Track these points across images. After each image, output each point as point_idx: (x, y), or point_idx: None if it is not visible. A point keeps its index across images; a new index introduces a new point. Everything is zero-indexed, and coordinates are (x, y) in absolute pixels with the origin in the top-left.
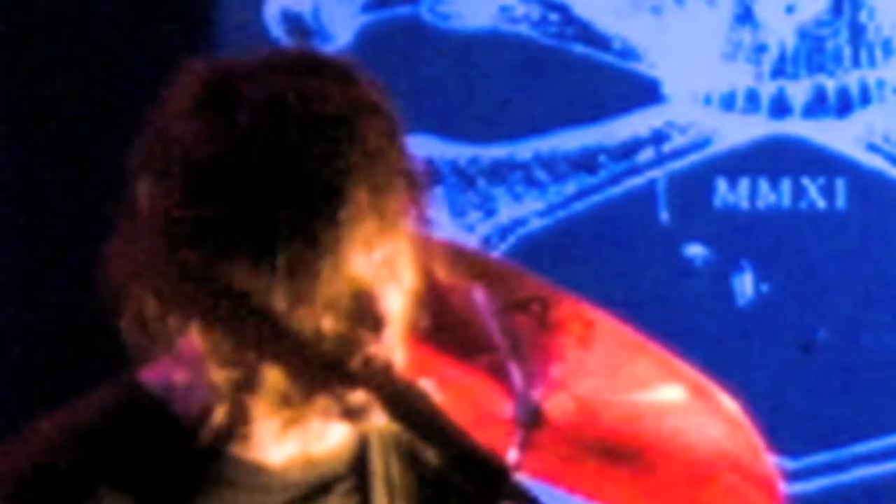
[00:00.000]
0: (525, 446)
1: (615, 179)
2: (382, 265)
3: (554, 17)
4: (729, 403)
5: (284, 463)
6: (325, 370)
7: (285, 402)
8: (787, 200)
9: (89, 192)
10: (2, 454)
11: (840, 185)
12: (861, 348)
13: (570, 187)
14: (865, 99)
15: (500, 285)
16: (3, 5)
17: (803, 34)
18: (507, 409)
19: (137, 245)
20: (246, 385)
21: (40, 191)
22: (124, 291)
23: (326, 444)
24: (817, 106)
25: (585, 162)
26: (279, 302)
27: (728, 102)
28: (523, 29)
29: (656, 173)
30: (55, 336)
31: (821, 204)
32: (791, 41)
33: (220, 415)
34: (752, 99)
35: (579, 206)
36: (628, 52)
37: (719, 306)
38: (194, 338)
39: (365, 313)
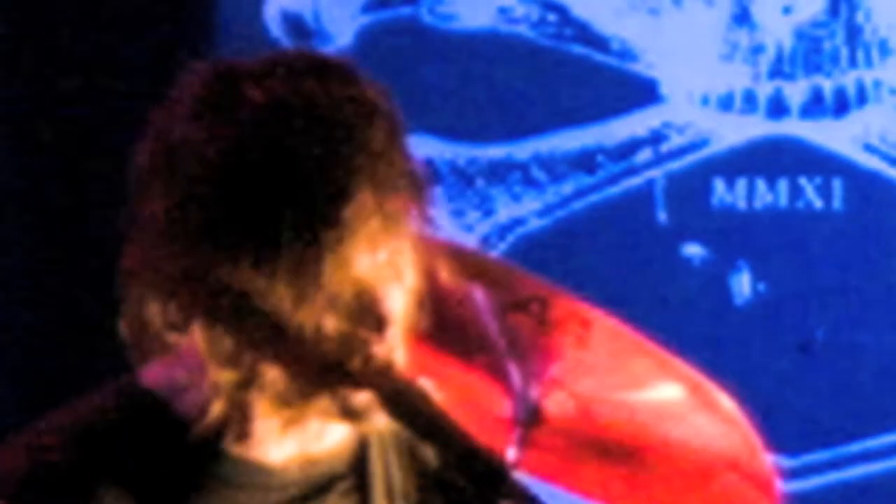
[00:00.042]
0: (524, 445)
1: (613, 179)
2: (385, 265)
3: (552, 17)
4: (727, 402)
5: (284, 462)
6: (325, 370)
7: (285, 401)
8: (784, 200)
9: (90, 191)
10: (2, 454)
11: (837, 185)
12: (858, 348)
13: (569, 187)
14: (862, 99)
15: (499, 285)
16: (4, 5)
17: (800, 35)
18: (506, 407)
19: (140, 245)
20: (246, 385)
21: (41, 191)
22: (126, 290)
23: (326, 443)
24: (814, 106)
25: (584, 162)
26: (282, 301)
27: (725, 103)
28: (522, 30)
29: (654, 173)
30: (55, 336)
31: (818, 204)
32: (788, 42)
33: (216, 410)
34: (750, 99)
35: (577, 205)
36: (626, 53)
37: (717, 306)
38: (195, 337)
39: (367, 313)
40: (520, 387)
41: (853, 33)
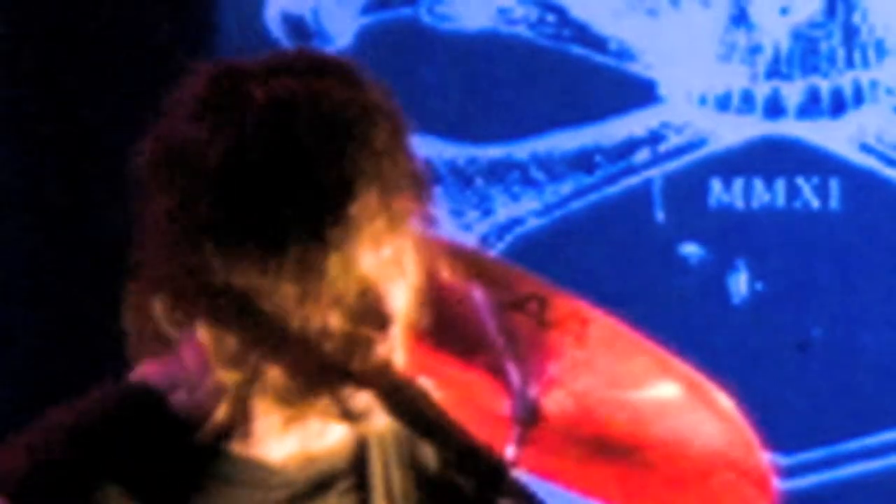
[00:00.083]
0: (523, 443)
1: (612, 179)
2: (389, 263)
3: (551, 18)
4: (724, 401)
5: (284, 460)
6: (327, 368)
7: (286, 400)
8: (781, 200)
9: (90, 191)
10: (3, 453)
11: (834, 184)
12: (855, 346)
13: (567, 187)
14: (859, 99)
15: (498, 284)
16: (4, 5)
17: (797, 35)
18: (505, 406)
19: (144, 244)
20: (249, 383)
21: (41, 191)
22: (131, 288)
23: (326, 441)
24: (811, 106)
25: (582, 162)
26: (286, 300)
27: (723, 103)
28: (521, 30)
29: (652, 173)
30: (55, 336)
31: (815, 203)
32: (785, 42)
33: (222, 413)
34: (747, 100)
35: (576, 205)
36: (625, 54)
37: (714, 305)
38: (198, 336)
39: (371, 312)
40: (519, 385)
41: (850, 34)
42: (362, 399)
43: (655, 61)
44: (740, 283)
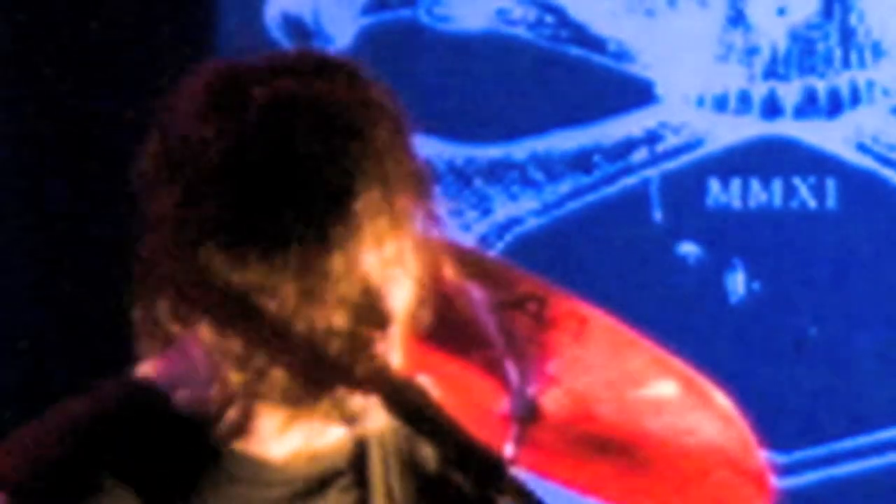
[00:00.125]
0: (521, 441)
1: (610, 179)
2: (391, 262)
3: (550, 19)
4: (722, 399)
5: (286, 458)
6: (328, 367)
7: (287, 399)
8: (778, 200)
9: (90, 191)
10: (7, 450)
11: (830, 184)
12: (852, 345)
13: (566, 187)
14: (855, 100)
15: (497, 283)
16: (4, 5)
17: (794, 36)
18: (504, 404)
19: (148, 244)
20: (254, 384)
21: (41, 191)
22: (137, 286)
23: (327, 439)
24: (808, 107)
25: (580, 162)
26: (289, 299)
27: (720, 103)
28: (520, 31)
29: (650, 173)
30: (56, 335)
31: (811, 203)
32: (782, 43)
33: (232, 414)
34: (744, 100)
35: (574, 205)
36: (622, 54)
37: (712, 304)
38: (202, 335)
39: (372, 310)
40: (517, 384)
41: (847, 35)
42: (361, 400)
43: (653, 62)
44: (738, 283)
